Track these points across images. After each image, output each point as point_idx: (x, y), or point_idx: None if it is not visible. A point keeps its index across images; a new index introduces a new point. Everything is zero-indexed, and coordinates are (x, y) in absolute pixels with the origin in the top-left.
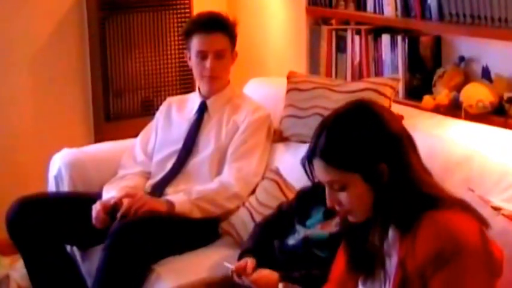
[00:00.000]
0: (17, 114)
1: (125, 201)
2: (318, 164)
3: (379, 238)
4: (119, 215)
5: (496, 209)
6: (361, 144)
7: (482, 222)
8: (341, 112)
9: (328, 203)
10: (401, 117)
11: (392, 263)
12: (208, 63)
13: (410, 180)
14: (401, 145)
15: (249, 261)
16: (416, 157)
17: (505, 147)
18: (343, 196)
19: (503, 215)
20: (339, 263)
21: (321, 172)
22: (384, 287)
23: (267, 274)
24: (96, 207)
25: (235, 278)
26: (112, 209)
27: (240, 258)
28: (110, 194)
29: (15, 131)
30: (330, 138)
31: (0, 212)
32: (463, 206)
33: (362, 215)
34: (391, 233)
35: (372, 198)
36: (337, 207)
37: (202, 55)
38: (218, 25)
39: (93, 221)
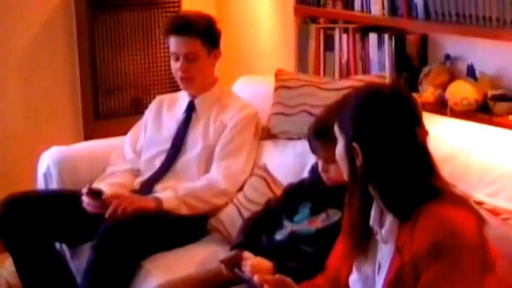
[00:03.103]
0: (6, 113)
1: (113, 202)
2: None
3: (377, 222)
4: (107, 215)
5: (478, 203)
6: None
7: (481, 221)
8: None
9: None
10: (426, 133)
11: (387, 250)
12: (179, 65)
13: (415, 168)
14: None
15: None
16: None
17: (489, 144)
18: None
19: (485, 209)
20: (337, 251)
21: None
22: (377, 273)
23: (262, 261)
24: (83, 193)
25: (229, 271)
26: (97, 191)
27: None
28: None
29: (4, 129)
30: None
31: None
32: (465, 203)
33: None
34: (390, 219)
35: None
36: None
37: (175, 56)
38: (189, 29)
39: (83, 204)
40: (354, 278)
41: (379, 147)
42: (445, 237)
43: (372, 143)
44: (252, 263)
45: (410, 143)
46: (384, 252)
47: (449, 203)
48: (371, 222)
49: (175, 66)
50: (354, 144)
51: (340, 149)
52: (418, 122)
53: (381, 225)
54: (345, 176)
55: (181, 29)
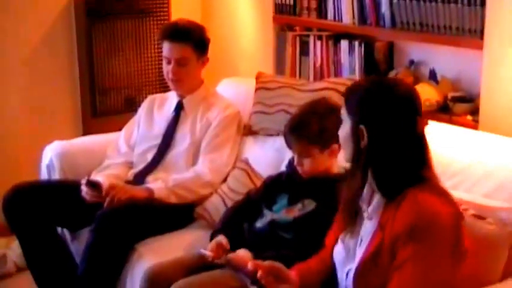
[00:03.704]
0: (13, 111)
1: (109, 192)
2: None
3: (366, 201)
4: (105, 205)
5: None
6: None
7: (459, 213)
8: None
9: None
10: (426, 123)
11: (371, 225)
12: (170, 68)
13: (412, 154)
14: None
15: (221, 239)
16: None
17: (449, 141)
18: None
19: None
20: (334, 230)
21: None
22: (359, 245)
23: (240, 253)
24: (82, 184)
25: (212, 260)
26: (95, 183)
27: (211, 237)
28: (97, 178)
29: (11, 125)
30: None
31: None
32: (446, 196)
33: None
34: (377, 198)
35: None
36: None
37: (167, 60)
38: (181, 36)
39: (82, 193)
40: (337, 249)
41: (383, 130)
42: (421, 222)
43: (377, 126)
44: (231, 255)
45: (411, 129)
46: (368, 228)
47: (432, 193)
48: (360, 201)
49: (167, 68)
50: (361, 126)
51: (346, 130)
52: (419, 112)
53: (369, 204)
54: (348, 157)
55: (175, 36)
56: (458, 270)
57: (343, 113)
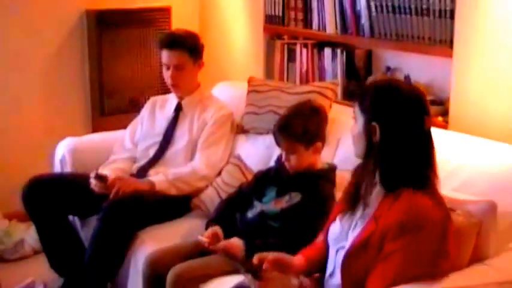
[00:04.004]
0: (30, 110)
1: (115, 184)
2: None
3: (368, 191)
4: (111, 196)
5: None
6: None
7: (448, 219)
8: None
9: None
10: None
11: (366, 214)
12: (169, 73)
13: (418, 151)
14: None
15: (216, 229)
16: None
17: None
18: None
19: None
20: (334, 213)
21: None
22: (352, 229)
23: (233, 241)
24: (91, 177)
25: (207, 246)
26: (102, 176)
27: (206, 226)
28: (104, 172)
29: (27, 123)
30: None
31: (16, 188)
32: (439, 200)
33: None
34: (377, 190)
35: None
36: None
37: (166, 67)
38: (178, 44)
39: (91, 186)
40: (333, 226)
41: (394, 126)
42: (411, 221)
43: (388, 122)
44: (225, 243)
45: (419, 126)
46: (364, 215)
47: (426, 196)
48: (362, 191)
49: (166, 74)
50: (374, 123)
51: (359, 127)
52: (426, 110)
53: (370, 193)
54: (360, 152)
55: (172, 44)
56: (440, 267)
57: (356, 111)
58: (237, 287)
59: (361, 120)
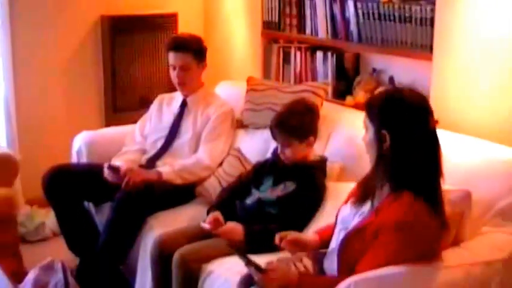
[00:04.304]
0: (50, 105)
1: (126, 174)
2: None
3: (377, 188)
4: (123, 186)
5: None
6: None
7: (441, 227)
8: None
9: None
10: (437, 122)
11: (371, 206)
12: (176, 73)
13: (426, 152)
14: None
15: (217, 214)
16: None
17: None
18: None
19: None
20: (348, 197)
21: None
22: (357, 216)
23: (233, 226)
24: (105, 167)
25: (211, 230)
26: (115, 167)
27: (208, 212)
28: (116, 163)
29: (48, 119)
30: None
31: (37, 176)
32: (437, 209)
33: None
34: (387, 186)
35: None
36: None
37: (173, 67)
38: (183, 47)
39: (105, 175)
40: (344, 208)
41: (403, 132)
42: (406, 222)
43: (397, 129)
44: (225, 227)
45: (425, 128)
46: (368, 207)
47: (426, 203)
48: (373, 190)
49: (173, 74)
50: (383, 131)
51: (370, 135)
52: (431, 114)
53: (380, 189)
54: (372, 158)
55: (178, 47)
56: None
57: (366, 121)
58: (244, 277)
59: (371, 129)
